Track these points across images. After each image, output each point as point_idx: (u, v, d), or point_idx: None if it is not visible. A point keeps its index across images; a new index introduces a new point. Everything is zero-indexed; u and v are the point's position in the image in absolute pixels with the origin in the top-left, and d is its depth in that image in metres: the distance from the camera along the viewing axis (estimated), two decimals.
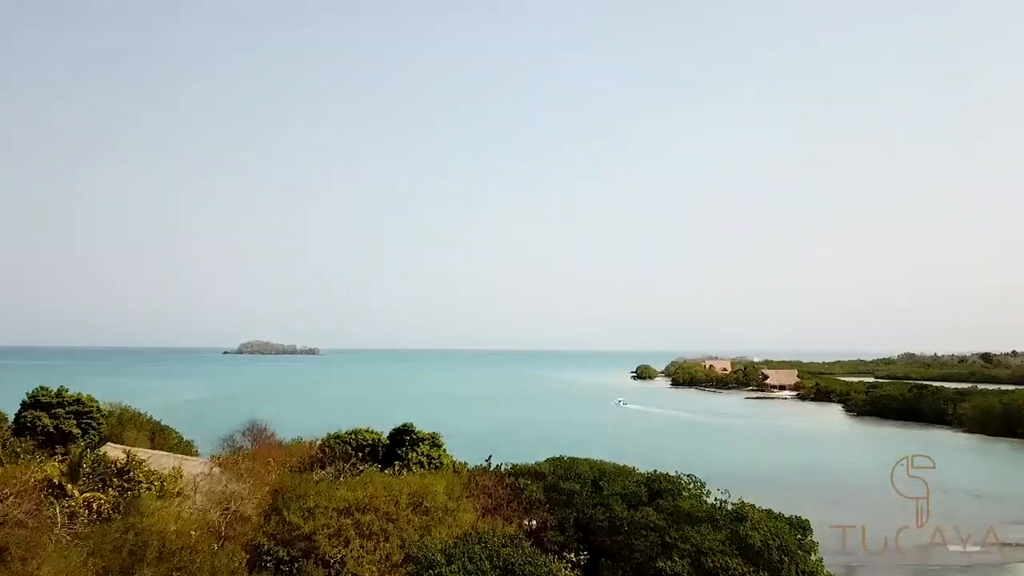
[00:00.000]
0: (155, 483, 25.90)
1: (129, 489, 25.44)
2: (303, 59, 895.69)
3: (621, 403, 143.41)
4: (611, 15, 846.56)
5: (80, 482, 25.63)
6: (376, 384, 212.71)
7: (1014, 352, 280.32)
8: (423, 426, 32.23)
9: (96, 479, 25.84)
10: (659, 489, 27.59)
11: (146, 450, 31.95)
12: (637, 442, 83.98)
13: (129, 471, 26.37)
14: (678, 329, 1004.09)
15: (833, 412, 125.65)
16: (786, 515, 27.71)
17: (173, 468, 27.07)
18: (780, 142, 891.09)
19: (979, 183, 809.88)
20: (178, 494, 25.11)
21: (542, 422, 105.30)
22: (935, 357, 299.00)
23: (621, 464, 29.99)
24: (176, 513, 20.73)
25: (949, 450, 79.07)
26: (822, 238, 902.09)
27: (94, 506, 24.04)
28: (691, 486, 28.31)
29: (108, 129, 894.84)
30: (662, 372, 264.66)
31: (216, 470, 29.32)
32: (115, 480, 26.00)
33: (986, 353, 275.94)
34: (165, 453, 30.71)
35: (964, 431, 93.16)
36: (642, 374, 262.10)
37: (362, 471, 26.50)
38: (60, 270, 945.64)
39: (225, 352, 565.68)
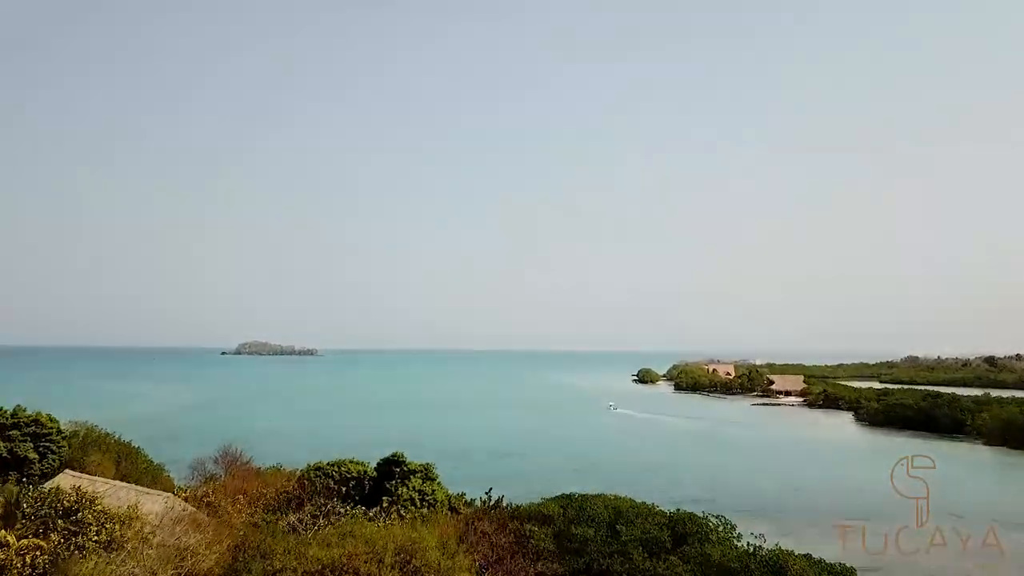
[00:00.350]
0: (107, 526, 22.51)
1: (75, 534, 21.99)
2: (304, 61, 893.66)
3: (612, 408, 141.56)
4: (612, 15, 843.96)
5: (18, 526, 22.27)
6: (371, 387, 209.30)
7: (1018, 356, 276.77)
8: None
9: (38, 522, 22.43)
10: (683, 532, 24.27)
11: (106, 480, 28.52)
12: (641, 454, 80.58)
13: (78, 511, 22.95)
14: (677, 329, 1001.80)
15: (844, 421, 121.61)
16: (828, 561, 24.49)
17: (129, 507, 23.64)
18: (781, 143, 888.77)
19: (979, 183, 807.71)
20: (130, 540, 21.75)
21: (539, 431, 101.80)
22: (938, 360, 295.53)
23: (639, 501, 26.64)
24: None
25: (981, 467, 75.24)
26: (822, 238, 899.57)
27: (28, 559, 20.59)
28: (719, 528, 24.96)
29: (109, 130, 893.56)
30: (664, 376, 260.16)
31: (179, 505, 25.89)
32: (60, 522, 22.52)
33: (990, 356, 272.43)
34: (125, 485, 27.32)
35: (984, 443, 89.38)
36: (644, 378, 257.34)
37: (343, 514, 23.00)
38: (60, 270, 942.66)
39: (223, 353, 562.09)
